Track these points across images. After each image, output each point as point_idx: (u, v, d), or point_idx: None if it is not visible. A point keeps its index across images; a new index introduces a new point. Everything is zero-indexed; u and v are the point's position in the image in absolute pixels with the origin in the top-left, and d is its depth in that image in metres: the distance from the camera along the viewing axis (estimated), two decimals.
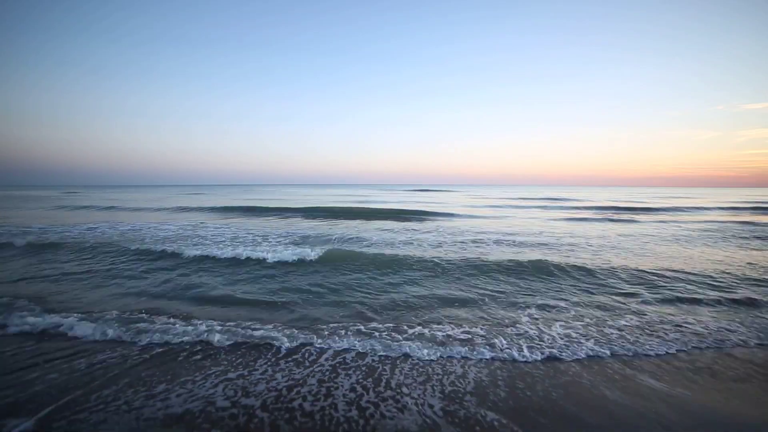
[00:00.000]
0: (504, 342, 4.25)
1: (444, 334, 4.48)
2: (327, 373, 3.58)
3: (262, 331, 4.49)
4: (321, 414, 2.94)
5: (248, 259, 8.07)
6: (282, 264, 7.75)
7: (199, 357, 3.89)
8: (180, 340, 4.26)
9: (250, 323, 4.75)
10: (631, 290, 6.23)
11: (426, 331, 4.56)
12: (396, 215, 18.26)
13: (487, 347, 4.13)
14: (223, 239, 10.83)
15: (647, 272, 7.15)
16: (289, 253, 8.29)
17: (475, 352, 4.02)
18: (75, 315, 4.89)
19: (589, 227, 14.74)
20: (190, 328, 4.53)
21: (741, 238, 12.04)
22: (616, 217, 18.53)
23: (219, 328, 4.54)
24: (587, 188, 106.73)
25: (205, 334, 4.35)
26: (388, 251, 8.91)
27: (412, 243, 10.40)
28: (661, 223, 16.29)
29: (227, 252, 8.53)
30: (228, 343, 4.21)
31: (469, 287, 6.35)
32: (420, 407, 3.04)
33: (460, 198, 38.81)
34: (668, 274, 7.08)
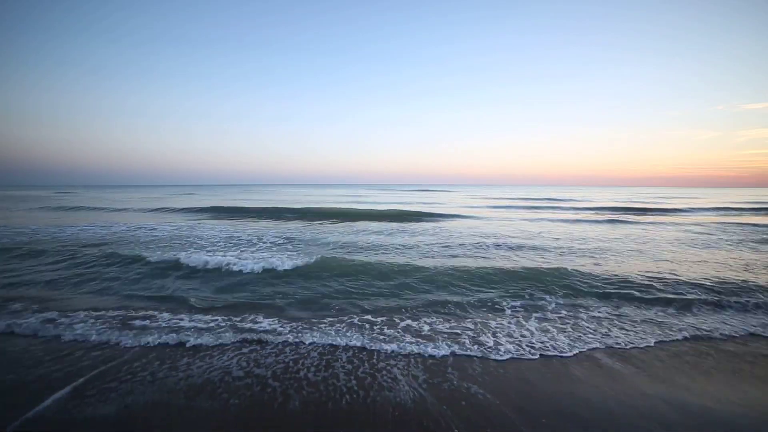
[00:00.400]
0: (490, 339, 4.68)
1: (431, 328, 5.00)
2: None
3: (264, 323, 5.04)
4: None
5: (242, 264, 7.94)
6: (270, 271, 7.61)
7: (210, 343, 4.49)
8: (187, 334, 4.70)
9: (253, 316, 5.29)
10: (620, 292, 6.41)
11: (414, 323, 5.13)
12: (394, 217, 18.49)
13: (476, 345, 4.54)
14: (217, 240, 11.30)
15: (642, 275, 7.34)
16: (283, 258, 8.41)
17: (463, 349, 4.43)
18: (81, 312, 5.37)
19: (588, 228, 14.98)
20: (195, 323, 5.04)
21: (743, 239, 12.21)
22: (614, 218, 18.74)
23: (225, 324, 5.05)
24: (587, 188, 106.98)
25: (213, 327, 4.91)
26: (382, 258, 8.96)
27: (407, 246, 10.54)
28: (658, 224, 16.57)
29: (216, 258, 8.44)
30: (234, 333, 4.74)
31: (461, 290, 6.58)
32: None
33: (460, 199, 39.02)
34: (664, 277, 7.26)
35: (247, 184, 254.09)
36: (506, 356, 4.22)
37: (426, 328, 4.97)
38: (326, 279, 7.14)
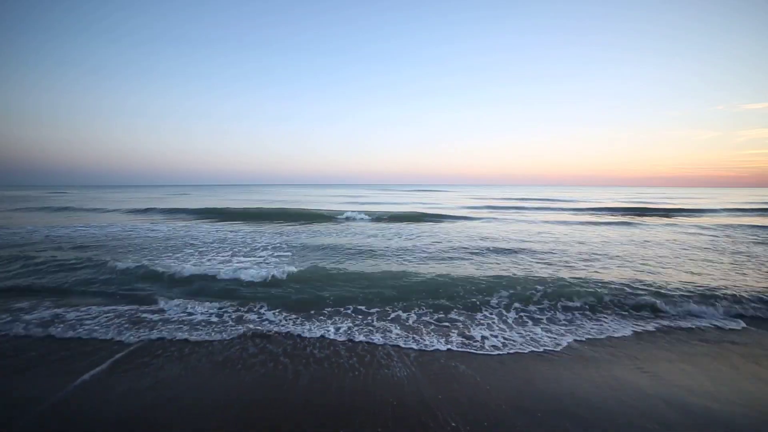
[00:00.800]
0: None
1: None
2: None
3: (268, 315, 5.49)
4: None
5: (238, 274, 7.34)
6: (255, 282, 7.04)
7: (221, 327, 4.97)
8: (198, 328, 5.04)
9: (260, 307, 5.78)
10: (610, 295, 6.26)
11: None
12: (393, 218, 18.38)
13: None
14: (211, 241, 11.36)
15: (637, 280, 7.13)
16: (274, 263, 8.27)
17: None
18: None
19: (587, 230, 14.80)
20: (205, 315, 5.44)
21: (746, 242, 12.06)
22: (614, 220, 18.61)
23: (234, 314, 5.48)
24: (587, 188, 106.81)
25: (224, 317, 5.39)
26: (374, 262, 8.70)
27: (402, 249, 10.26)
28: (664, 226, 16.38)
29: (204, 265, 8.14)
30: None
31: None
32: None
33: (460, 199, 38.85)
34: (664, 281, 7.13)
35: (247, 184, 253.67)
36: (495, 351, 4.44)
37: (413, 321, 5.33)
38: (319, 284, 6.88)
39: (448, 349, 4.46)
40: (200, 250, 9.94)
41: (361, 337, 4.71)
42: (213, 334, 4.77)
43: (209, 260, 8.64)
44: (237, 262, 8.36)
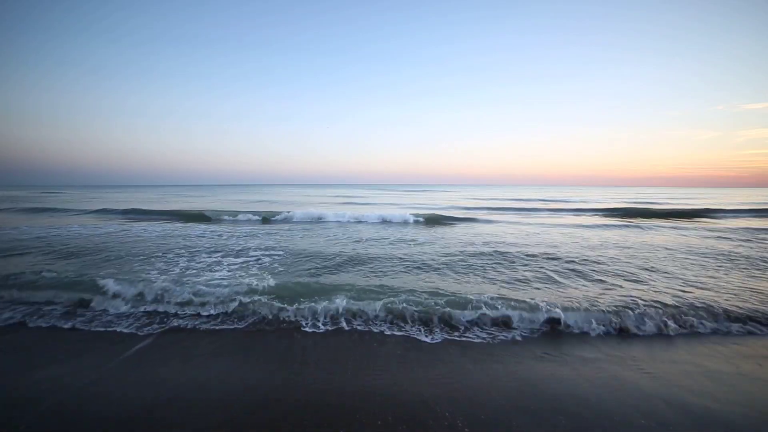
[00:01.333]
0: None
1: None
2: None
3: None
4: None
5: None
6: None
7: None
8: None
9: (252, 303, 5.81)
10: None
11: None
12: (388, 221, 18.17)
13: None
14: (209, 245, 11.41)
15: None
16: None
17: None
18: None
19: (588, 234, 14.47)
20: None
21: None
22: (614, 223, 18.44)
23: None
24: (587, 188, 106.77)
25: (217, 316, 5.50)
26: (371, 279, 7.89)
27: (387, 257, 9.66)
28: (653, 227, 16.31)
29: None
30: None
31: None
32: None
33: (459, 200, 38.71)
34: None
35: (247, 184, 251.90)
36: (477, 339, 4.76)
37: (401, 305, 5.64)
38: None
39: (443, 341, 4.64)
40: (192, 251, 9.92)
41: (349, 328, 5.04)
42: (211, 330, 4.89)
43: (199, 262, 8.64)
44: (227, 263, 8.49)
